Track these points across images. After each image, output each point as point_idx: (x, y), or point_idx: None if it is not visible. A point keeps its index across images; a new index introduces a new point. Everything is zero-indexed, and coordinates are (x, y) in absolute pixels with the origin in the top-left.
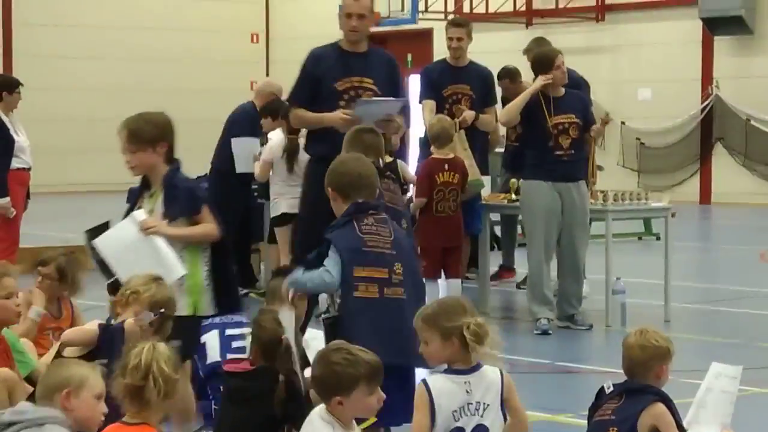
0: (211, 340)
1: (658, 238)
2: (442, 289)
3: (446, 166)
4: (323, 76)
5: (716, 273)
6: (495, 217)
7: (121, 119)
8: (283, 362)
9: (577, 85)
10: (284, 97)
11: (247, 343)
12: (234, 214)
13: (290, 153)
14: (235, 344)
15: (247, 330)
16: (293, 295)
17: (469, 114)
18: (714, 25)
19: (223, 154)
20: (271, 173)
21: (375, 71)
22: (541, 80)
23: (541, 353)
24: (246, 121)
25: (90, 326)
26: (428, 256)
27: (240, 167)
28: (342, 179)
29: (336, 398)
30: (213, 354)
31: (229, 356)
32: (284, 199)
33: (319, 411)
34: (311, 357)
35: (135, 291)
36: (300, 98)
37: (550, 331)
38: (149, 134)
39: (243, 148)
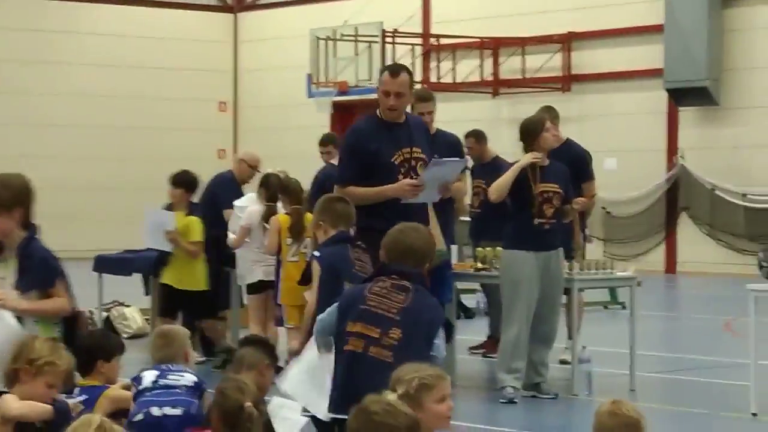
0: (148, 377)
1: (624, 307)
2: None
3: None
4: (378, 152)
5: (681, 342)
6: (461, 285)
7: (91, 186)
8: (244, 431)
9: (579, 157)
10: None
11: (180, 382)
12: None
13: (268, 220)
14: (171, 377)
15: (188, 375)
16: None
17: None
18: (679, 96)
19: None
20: (247, 240)
21: (419, 139)
22: (530, 157)
23: (507, 422)
24: (231, 190)
25: (40, 403)
26: None
27: (148, 241)
28: (396, 246)
29: None
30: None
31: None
32: (260, 267)
33: None
34: (277, 426)
35: (50, 362)
36: (352, 176)
37: (516, 400)
38: (4, 198)
39: (155, 221)
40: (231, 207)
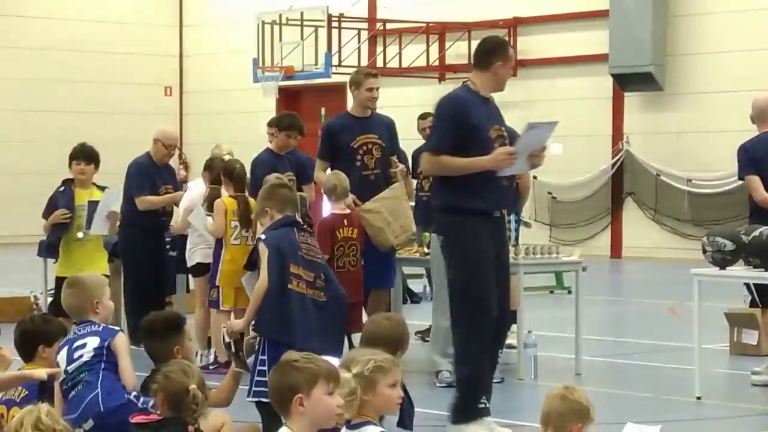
0: (61, 358)
1: (570, 292)
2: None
3: (345, 221)
4: (478, 125)
5: (626, 327)
6: (408, 270)
7: (34, 170)
8: (189, 413)
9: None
10: (197, 149)
11: (86, 350)
12: (150, 266)
13: (211, 203)
14: (76, 354)
15: (94, 338)
16: None
17: (402, 168)
18: (624, 82)
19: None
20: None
21: (501, 117)
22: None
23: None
24: (142, 176)
25: None
26: None
27: (94, 228)
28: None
29: (297, 397)
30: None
31: (69, 367)
32: (200, 249)
33: None
34: None
35: None
36: (448, 146)
37: (453, 384)
38: None
39: (106, 203)
40: (142, 194)
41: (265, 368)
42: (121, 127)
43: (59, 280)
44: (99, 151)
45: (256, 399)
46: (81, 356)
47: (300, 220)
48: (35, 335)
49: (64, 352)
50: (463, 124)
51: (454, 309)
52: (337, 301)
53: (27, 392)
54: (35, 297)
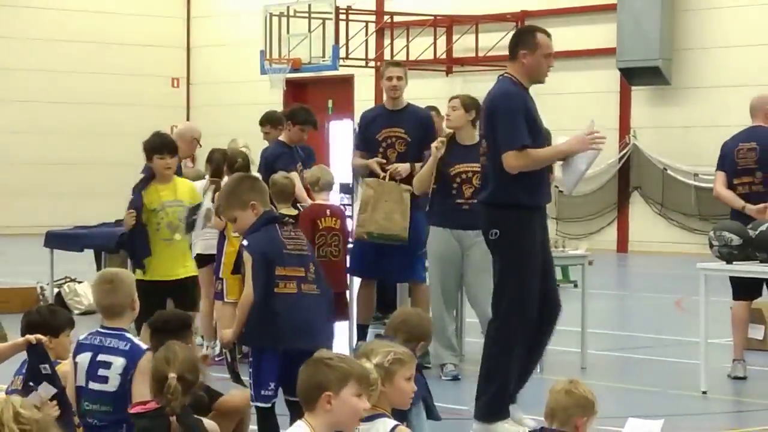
0: (82, 362)
1: (576, 286)
2: None
3: (328, 212)
4: (536, 116)
5: (632, 321)
6: None
7: (42, 162)
8: (169, 401)
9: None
10: (204, 141)
11: (111, 373)
12: None
13: (213, 196)
14: (100, 372)
15: (120, 359)
16: None
17: (403, 167)
18: (631, 76)
19: None
20: None
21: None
22: (433, 146)
23: (456, 399)
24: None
25: None
26: None
27: (197, 230)
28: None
29: (326, 394)
30: (79, 379)
31: (91, 384)
32: (200, 240)
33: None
34: None
35: None
36: (527, 138)
37: (459, 377)
38: None
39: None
40: None
41: (256, 376)
42: (129, 118)
43: (147, 285)
44: (107, 142)
45: (255, 404)
46: (105, 378)
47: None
48: (41, 326)
49: (87, 357)
50: (527, 117)
51: (498, 304)
52: (326, 291)
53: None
54: (41, 288)
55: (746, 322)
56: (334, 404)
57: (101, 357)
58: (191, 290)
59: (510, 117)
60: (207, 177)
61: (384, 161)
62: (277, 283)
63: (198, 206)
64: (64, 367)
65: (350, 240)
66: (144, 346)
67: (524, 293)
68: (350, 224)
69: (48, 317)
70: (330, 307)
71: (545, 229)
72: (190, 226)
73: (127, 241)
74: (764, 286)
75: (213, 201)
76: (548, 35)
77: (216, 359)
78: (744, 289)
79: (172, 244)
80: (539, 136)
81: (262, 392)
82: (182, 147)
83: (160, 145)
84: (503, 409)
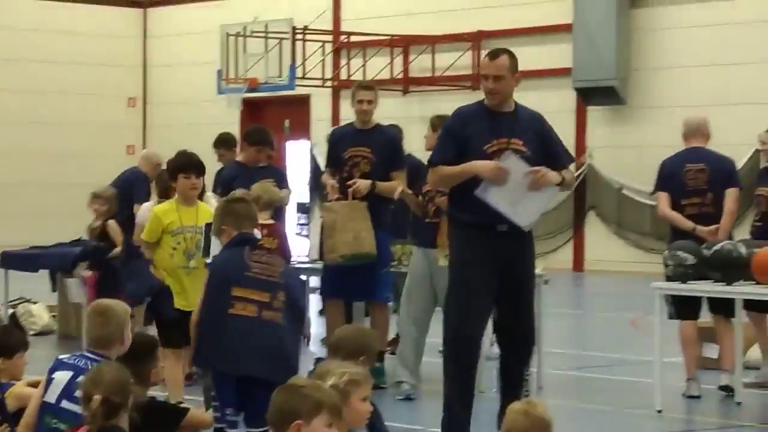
0: (59, 379)
1: None
2: None
3: (266, 231)
4: (471, 137)
5: (588, 340)
6: None
7: None
8: (89, 422)
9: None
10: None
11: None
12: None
13: None
14: (76, 393)
15: None
16: None
17: (363, 184)
18: (587, 95)
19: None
20: None
21: (524, 131)
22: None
23: (411, 419)
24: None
25: None
26: None
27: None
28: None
29: (296, 422)
30: (51, 395)
31: (65, 403)
32: None
33: None
34: None
35: None
36: (443, 158)
37: (413, 396)
38: None
39: None
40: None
41: (218, 398)
42: (85, 138)
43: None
44: (62, 162)
45: (217, 426)
46: (75, 399)
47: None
48: None
49: (66, 375)
50: (457, 136)
51: (443, 324)
52: (294, 323)
53: None
54: None
55: (696, 341)
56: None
57: (81, 379)
58: None
59: (441, 134)
60: (155, 197)
61: (338, 183)
62: (233, 304)
63: (209, 225)
64: (18, 389)
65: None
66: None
67: (462, 314)
68: (308, 244)
69: (2, 338)
70: (294, 340)
71: (508, 258)
72: (206, 250)
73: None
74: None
75: None
76: (492, 56)
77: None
78: (691, 309)
79: (191, 272)
80: (474, 156)
81: (226, 417)
82: (147, 170)
83: (187, 164)
84: (455, 428)
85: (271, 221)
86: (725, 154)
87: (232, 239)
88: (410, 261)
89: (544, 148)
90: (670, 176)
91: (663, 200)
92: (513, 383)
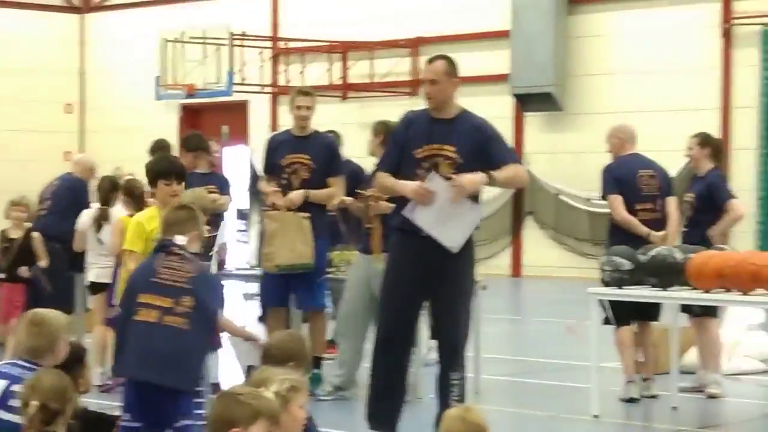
0: None
1: None
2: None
3: None
4: (406, 142)
5: (526, 345)
6: None
7: None
8: (26, 429)
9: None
10: (98, 167)
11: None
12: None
13: (99, 222)
14: (11, 402)
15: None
16: None
17: (296, 196)
18: (525, 102)
19: (64, 223)
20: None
21: (461, 138)
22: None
23: (339, 423)
24: (79, 191)
25: None
26: None
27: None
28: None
29: (234, 430)
30: None
31: (1, 413)
32: (94, 268)
33: None
34: None
35: None
36: (385, 165)
37: (328, 398)
38: None
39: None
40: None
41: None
42: (22, 144)
43: None
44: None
45: None
46: (17, 409)
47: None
48: None
49: (1, 384)
50: (396, 142)
51: None
52: (201, 329)
53: None
54: None
55: (632, 344)
56: None
57: (16, 387)
58: None
59: (388, 140)
60: (96, 205)
61: (279, 191)
62: (137, 310)
63: (213, 239)
64: None
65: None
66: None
67: (384, 312)
68: (247, 252)
69: None
70: (200, 346)
71: (430, 265)
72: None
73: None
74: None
75: (98, 229)
76: (429, 61)
77: (107, 386)
78: (627, 314)
79: None
80: (405, 162)
81: (123, 423)
82: (84, 176)
83: (168, 170)
84: (372, 420)
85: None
86: (659, 160)
87: (155, 246)
88: (350, 267)
89: (483, 156)
90: (623, 181)
91: (620, 204)
92: (443, 388)
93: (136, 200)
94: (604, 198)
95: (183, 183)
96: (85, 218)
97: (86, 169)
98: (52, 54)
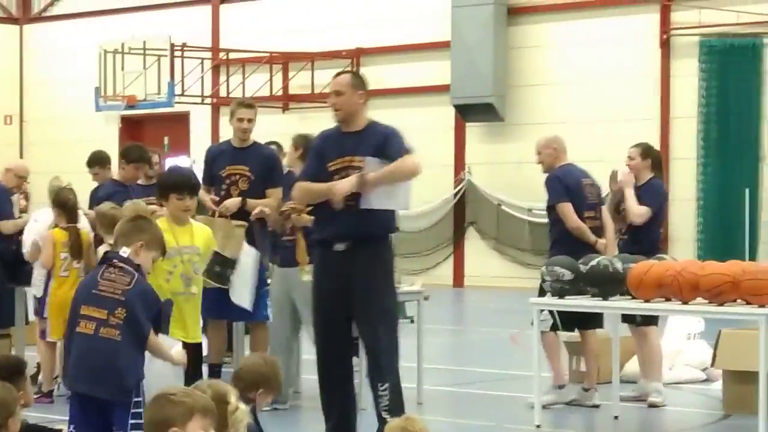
0: None
1: (412, 321)
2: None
3: None
4: (320, 155)
5: (468, 355)
6: None
7: None
8: None
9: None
10: (38, 179)
11: None
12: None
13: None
14: None
15: None
16: None
17: (231, 203)
18: (466, 112)
19: None
20: None
21: (366, 149)
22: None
23: None
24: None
25: None
26: None
27: (239, 296)
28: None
29: (172, 430)
30: None
31: None
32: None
33: None
34: None
35: None
36: (304, 176)
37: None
38: None
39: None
40: (6, 218)
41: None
42: None
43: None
44: None
45: None
46: None
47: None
48: None
49: None
50: (314, 155)
51: None
52: (133, 341)
53: None
54: None
55: (559, 349)
56: None
57: None
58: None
59: (309, 154)
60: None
61: (218, 199)
62: (79, 322)
63: (234, 262)
64: None
65: None
66: None
67: (315, 327)
68: None
69: None
70: (131, 357)
71: (348, 276)
72: (221, 277)
73: None
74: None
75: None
76: (335, 75)
77: (36, 397)
78: (569, 323)
79: (189, 298)
80: (321, 175)
81: None
82: (7, 183)
83: (181, 184)
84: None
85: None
86: (600, 170)
87: (101, 258)
88: (271, 281)
89: (386, 158)
90: (571, 190)
91: (572, 211)
92: (373, 399)
93: (68, 212)
94: (551, 207)
95: (195, 197)
96: (42, 229)
97: (10, 179)
98: None
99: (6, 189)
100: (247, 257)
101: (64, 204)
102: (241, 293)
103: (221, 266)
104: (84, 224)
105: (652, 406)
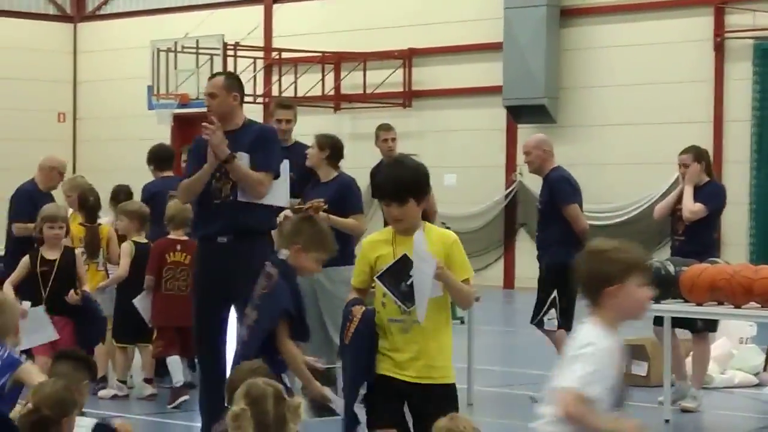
0: None
1: (463, 322)
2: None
3: (179, 247)
4: (200, 156)
5: (518, 357)
6: None
7: None
8: None
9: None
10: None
11: None
12: None
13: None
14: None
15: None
16: None
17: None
18: (518, 114)
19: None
20: None
21: (241, 146)
22: None
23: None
24: (26, 200)
25: None
26: (163, 335)
27: None
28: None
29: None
30: None
31: None
32: None
33: None
34: None
35: None
36: (185, 175)
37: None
38: None
39: None
40: (23, 220)
41: None
42: (14, 153)
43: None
44: None
45: None
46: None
47: None
48: None
49: None
50: (197, 155)
51: None
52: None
53: None
54: None
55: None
56: (620, 296)
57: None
58: None
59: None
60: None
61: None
62: None
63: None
64: None
65: None
66: (19, 359)
67: (192, 314)
68: None
69: None
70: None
71: (230, 271)
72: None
73: None
74: None
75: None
76: (211, 77)
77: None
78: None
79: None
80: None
81: None
82: (41, 177)
83: None
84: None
85: (185, 237)
86: (653, 173)
87: None
88: None
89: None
90: (578, 191)
91: (580, 213)
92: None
93: (87, 211)
94: (555, 207)
95: None
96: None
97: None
98: (46, 63)
99: (33, 190)
100: None
101: (82, 203)
102: None
103: None
104: (106, 220)
105: (684, 410)
